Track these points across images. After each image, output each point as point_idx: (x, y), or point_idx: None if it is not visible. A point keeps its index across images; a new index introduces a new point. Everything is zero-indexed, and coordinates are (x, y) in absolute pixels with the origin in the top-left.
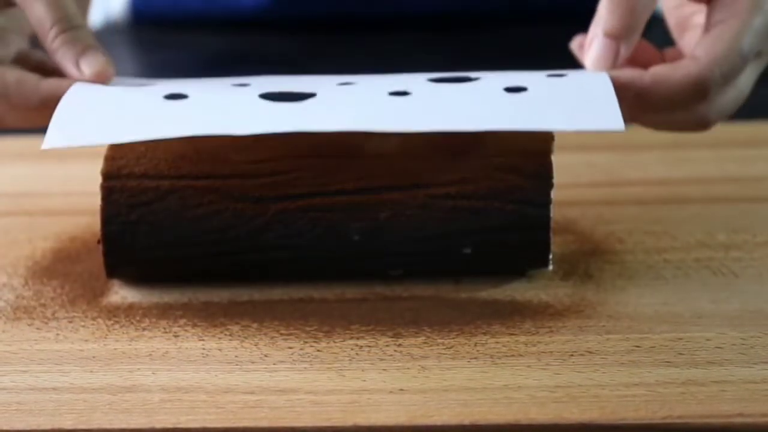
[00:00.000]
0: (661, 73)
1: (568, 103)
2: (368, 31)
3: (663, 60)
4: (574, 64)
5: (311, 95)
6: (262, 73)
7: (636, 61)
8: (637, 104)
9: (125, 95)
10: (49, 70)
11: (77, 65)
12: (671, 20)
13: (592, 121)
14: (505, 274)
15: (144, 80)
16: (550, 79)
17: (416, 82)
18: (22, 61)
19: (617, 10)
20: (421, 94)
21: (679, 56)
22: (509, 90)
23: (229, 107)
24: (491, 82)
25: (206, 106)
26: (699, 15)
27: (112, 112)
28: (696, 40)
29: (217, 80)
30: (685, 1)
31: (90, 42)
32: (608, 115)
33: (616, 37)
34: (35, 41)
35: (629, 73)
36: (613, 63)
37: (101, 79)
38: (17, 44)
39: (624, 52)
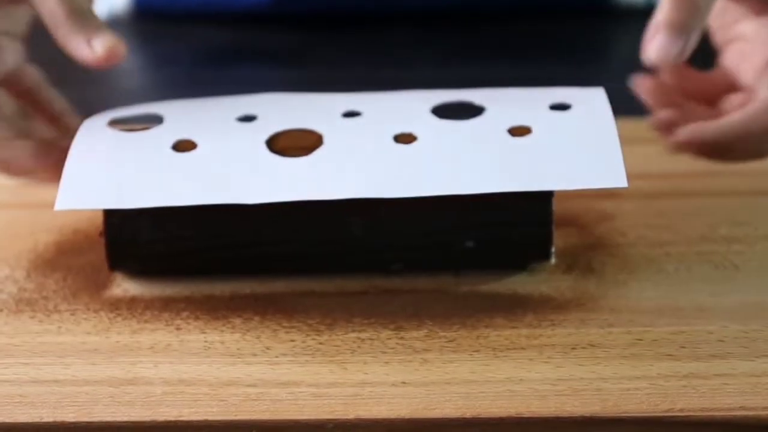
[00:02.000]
0: (741, 125)
1: (572, 157)
2: (369, 26)
3: (712, 85)
4: (572, 60)
5: (320, 138)
6: (264, 68)
7: (685, 90)
8: (713, 152)
9: (132, 147)
10: (39, 99)
11: (89, 44)
12: (715, 23)
13: (597, 179)
14: (507, 267)
15: (148, 108)
16: (554, 117)
17: (421, 116)
18: (14, 81)
19: (682, 4)
20: (426, 140)
21: (726, 80)
22: (513, 132)
23: (237, 165)
24: (495, 118)
25: (215, 163)
26: (743, 23)
27: (122, 171)
28: (740, 57)
29: (223, 107)
30: (729, 4)
31: (102, 26)
32: (613, 173)
33: (682, 30)
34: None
35: (711, 130)
36: (679, 56)
37: (113, 56)
38: (13, 55)
39: (689, 45)
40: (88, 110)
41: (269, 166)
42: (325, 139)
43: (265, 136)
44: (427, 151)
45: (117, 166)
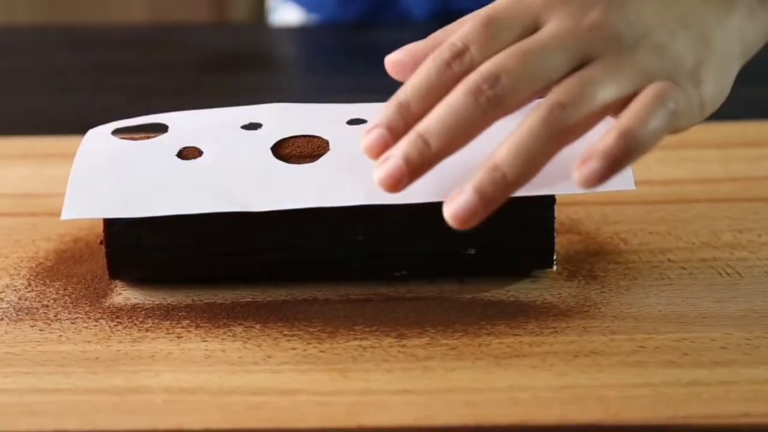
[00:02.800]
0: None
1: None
2: (371, 30)
3: None
4: None
5: (325, 145)
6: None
7: None
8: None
9: (137, 156)
10: None
11: None
12: None
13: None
14: (510, 274)
15: (151, 119)
16: None
17: None
18: None
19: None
20: None
21: None
22: None
23: (243, 172)
24: (499, 124)
25: (221, 170)
26: None
27: (127, 180)
28: None
29: (227, 115)
30: None
31: None
32: (621, 176)
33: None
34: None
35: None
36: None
37: None
38: None
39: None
40: (92, 119)
41: (275, 173)
42: (331, 146)
43: (271, 143)
44: None
45: (122, 175)
